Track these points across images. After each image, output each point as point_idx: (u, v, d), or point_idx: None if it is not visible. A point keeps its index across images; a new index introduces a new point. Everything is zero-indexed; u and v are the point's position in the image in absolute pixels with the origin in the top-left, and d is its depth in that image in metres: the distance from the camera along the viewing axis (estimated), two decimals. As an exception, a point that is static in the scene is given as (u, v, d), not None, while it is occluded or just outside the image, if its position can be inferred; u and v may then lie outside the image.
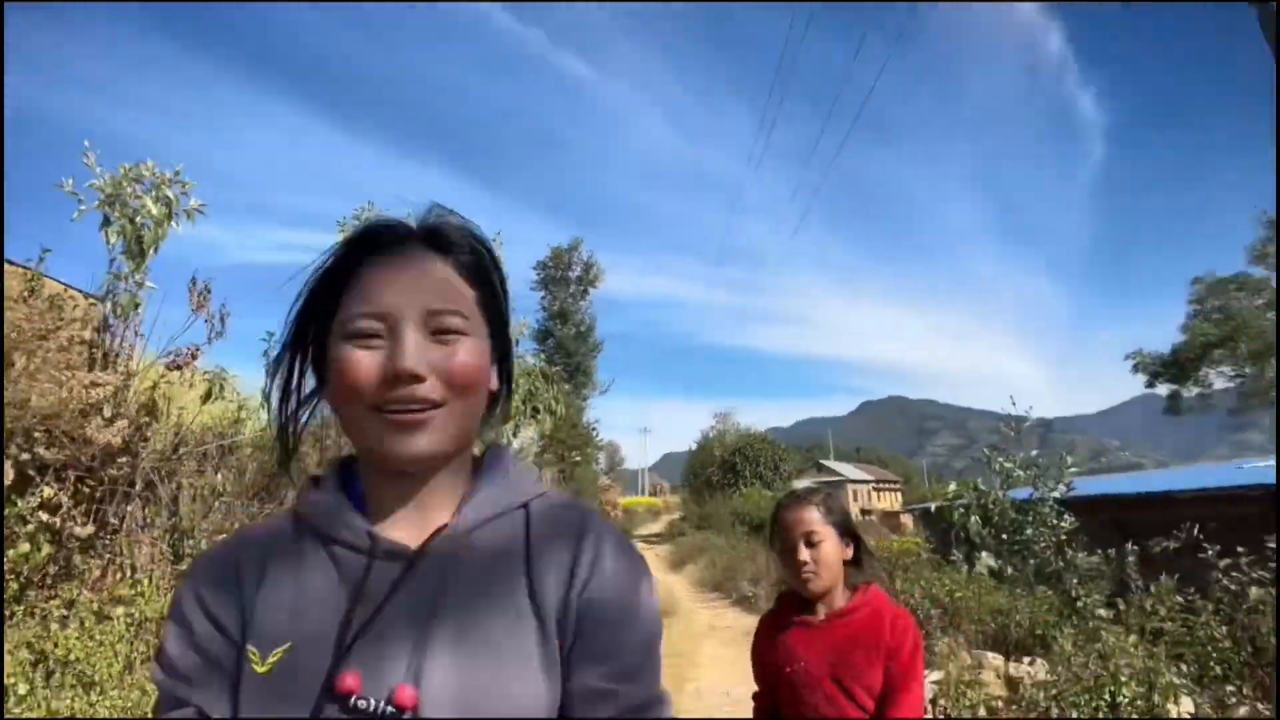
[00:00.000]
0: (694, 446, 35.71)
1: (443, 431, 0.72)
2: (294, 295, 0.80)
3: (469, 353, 0.74)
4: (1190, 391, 21.60)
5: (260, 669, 0.69)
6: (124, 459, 3.79)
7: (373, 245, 0.76)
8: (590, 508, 0.83)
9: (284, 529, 0.79)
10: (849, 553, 1.80)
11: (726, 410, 37.15)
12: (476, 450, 0.84)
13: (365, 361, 0.71)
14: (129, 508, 4.15)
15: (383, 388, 0.71)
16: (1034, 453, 9.04)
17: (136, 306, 4.05)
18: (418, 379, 0.71)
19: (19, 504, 3.48)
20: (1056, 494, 8.15)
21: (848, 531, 1.81)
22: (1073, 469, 9.21)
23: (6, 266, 4.27)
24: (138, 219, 4.17)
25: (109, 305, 4.16)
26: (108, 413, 3.65)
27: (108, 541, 4.09)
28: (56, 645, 3.46)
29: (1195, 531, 5.80)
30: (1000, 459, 8.79)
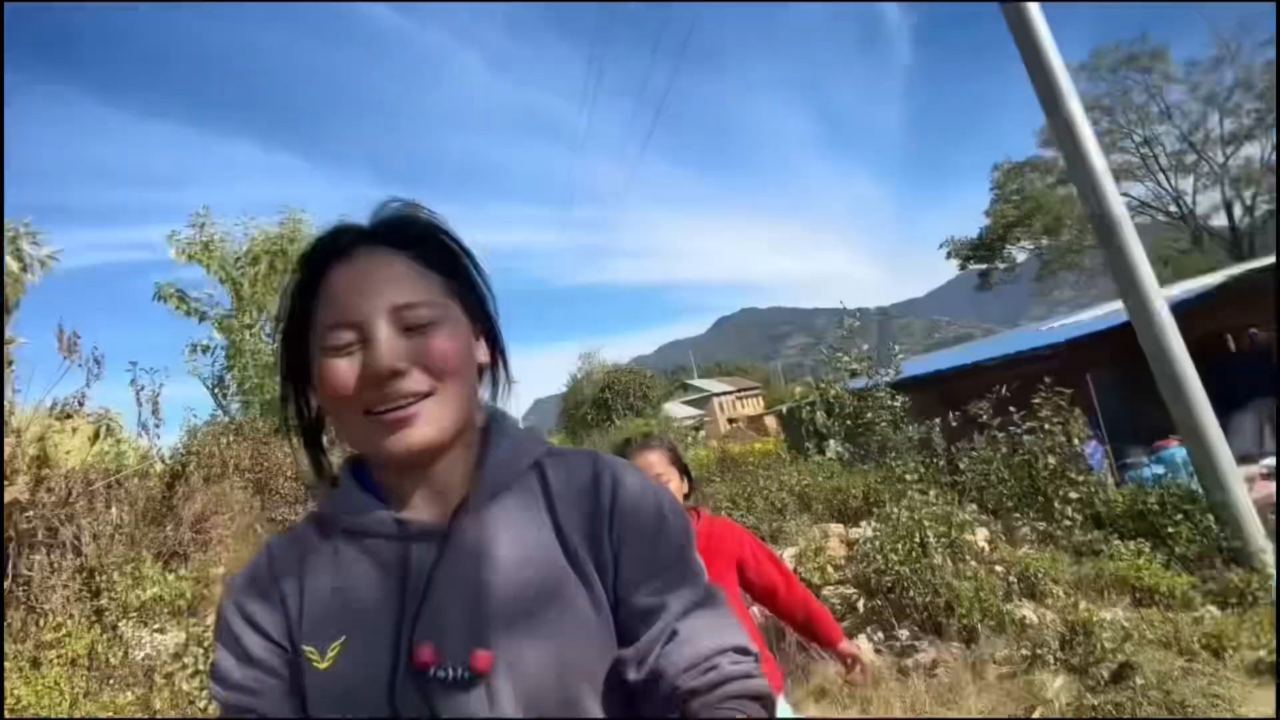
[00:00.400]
0: (564, 389, 36.25)
1: (437, 420, 0.74)
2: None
3: (445, 338, 0.75)
4: (999, 267, 24.25)
5: (321, 665, 0.73)
6: (29, 512, 3.96)
7: (329, 253, 0.77)
8: (596, 451, 0.87)
9: (310, 533, 0.81)
10: (686, 487, 2.15)
11: (590, 350, 37.76)
12: (479, 421, 0.84)
13: (344, 369, 0.73)
14: (36, 557, 4.30)
15: (367, 391, 0.72)
16: (864, 346, 10.20)
17: (10, 364, 4.12)
18: (398, 375, 0.72)
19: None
20: (887, 379, 9.33)
21: (684, 469, 2.16)
22: (899, 354, 10.49)
23: None
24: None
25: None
26: (6, 471, 3.80)
27: (22, 593, 4.25)
28: (7, 696, 3.68)
29: (1003, 391, 6.89)
30: (840, 355, 9.91)
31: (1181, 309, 7.72)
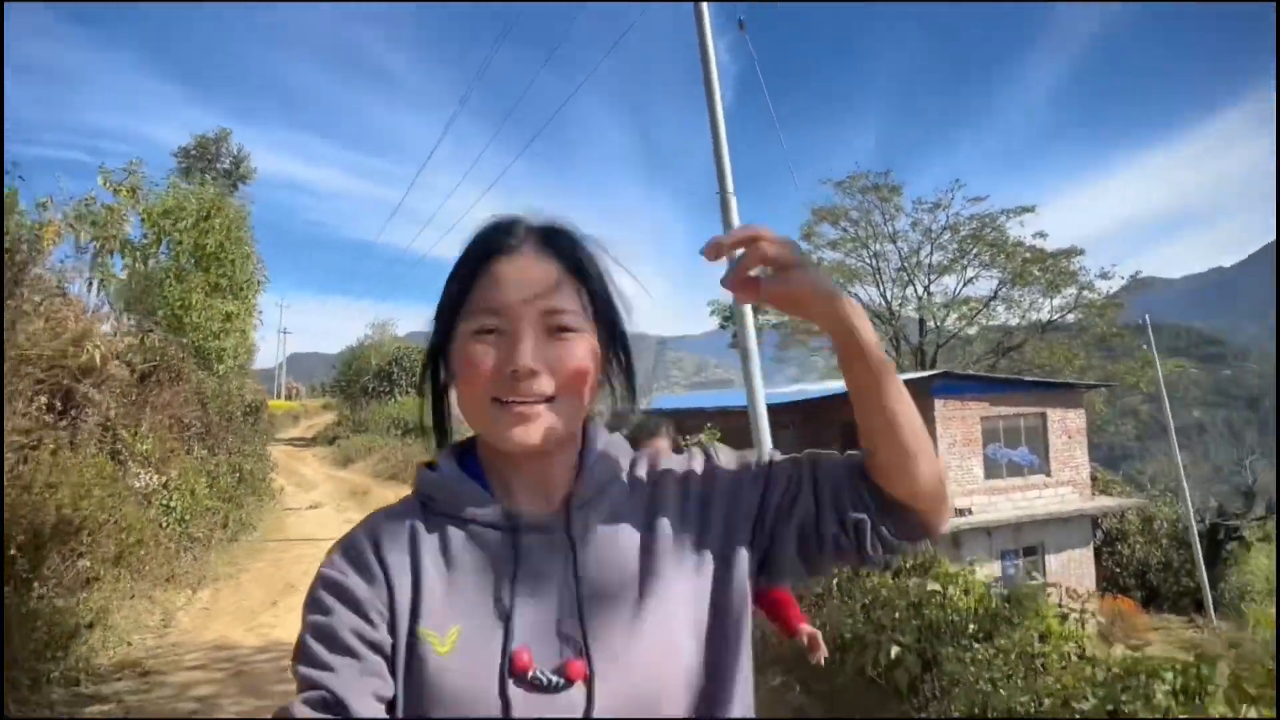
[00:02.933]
0: (343, 350, 35.95)
1: (552, 424, 0.77)
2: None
3: (581, 350, 0.79)
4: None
5: (442, 649, 0.74)
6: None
7: (497, 244, 0.80)
8: (654, 452, 0.93)
9: (413, 513, 0.82)
10: None
11: (383, 320, 38.03)
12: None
13: (486, 354, 0.77)
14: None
15: (501, 380, 0.76)
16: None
17: None
18: (533, 374, 0.76)
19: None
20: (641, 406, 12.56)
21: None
22: (660, 386, 13.77)
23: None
24: None
25: None
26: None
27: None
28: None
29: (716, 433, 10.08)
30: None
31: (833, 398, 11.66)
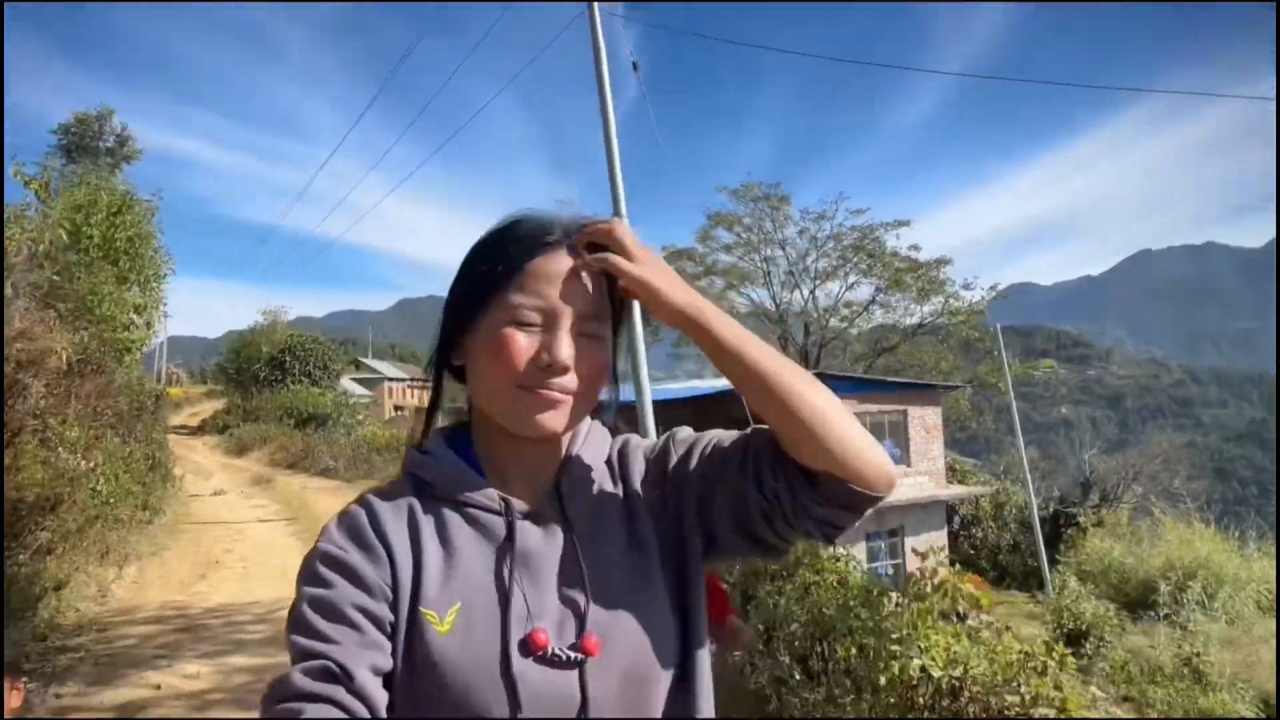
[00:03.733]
0: (225, 334, 34.96)
1: (568, 416, 0.82)
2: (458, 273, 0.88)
3: (602, 357, 0.85)
4: (645, 331, 30.35)
5: (442, 629, 0.76)
6: None
7: (540, 239, 0.83)
8: (633, 437, 0.98)
9: (407, 495, 0.85)
10: None
11: (274, 307, 37.03)
12: None
13: (525, 342, 0.80)
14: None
15: (533, 370, 0.80)
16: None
17: None
18: (566, 370, 0.81)
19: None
20: None
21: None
22: None
23: None
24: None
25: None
26: None
27: None
28: None
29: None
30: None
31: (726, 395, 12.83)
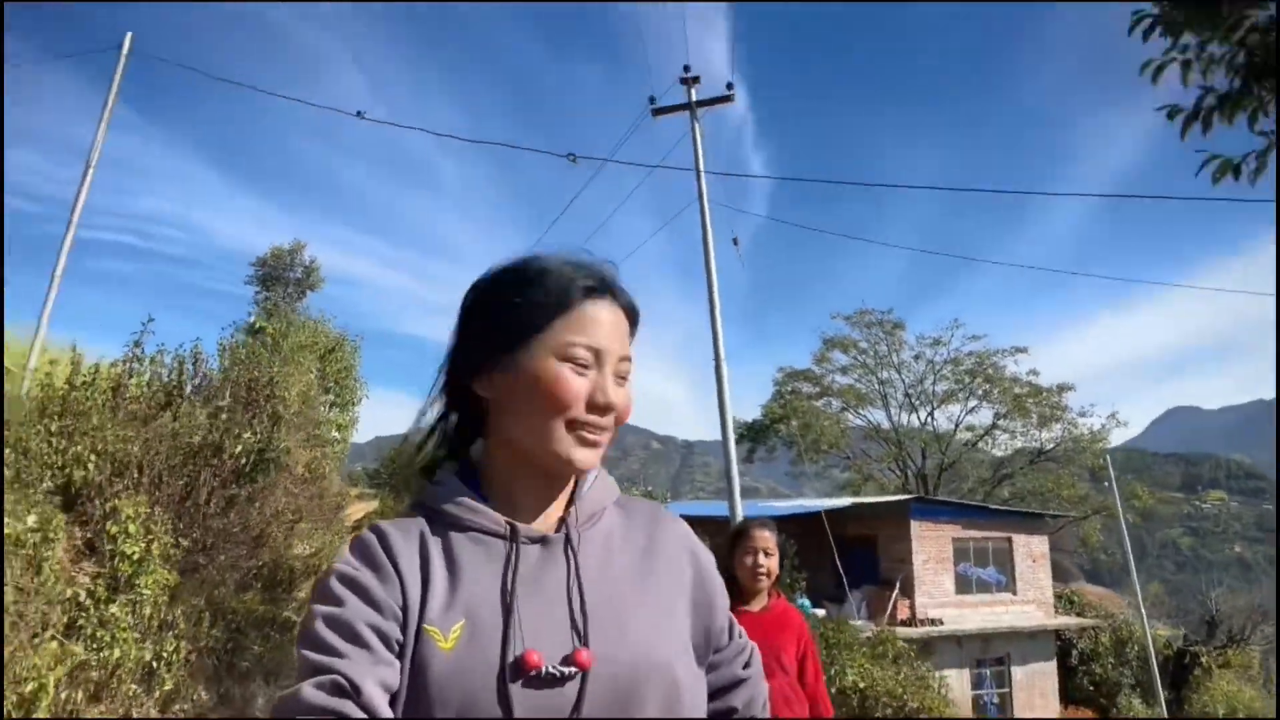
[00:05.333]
0: (372, 438, 38.23)
1: (601, 453, 0.89)
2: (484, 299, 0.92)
3: (629, 398, 0.90)
4: (762, 449, 31.54)
5: (445, 646, 0.79)
6: None
7: (590, 285, 0.89)
8: (655, 502, 1.07)
9: (419, 523, 0.89)
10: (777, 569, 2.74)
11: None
12: None
13: (579, 382, 0.85)
14: None
15: (582, 409, 0.86)
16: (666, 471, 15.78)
17: None
18: (611, 410, 0.87)
19: None
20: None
21: (783, 553, 2.81)
22: (668, 495, 16.15)
23: None
24: None
25: None
26: None
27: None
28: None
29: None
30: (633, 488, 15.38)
31: (831, 513, 14.09)
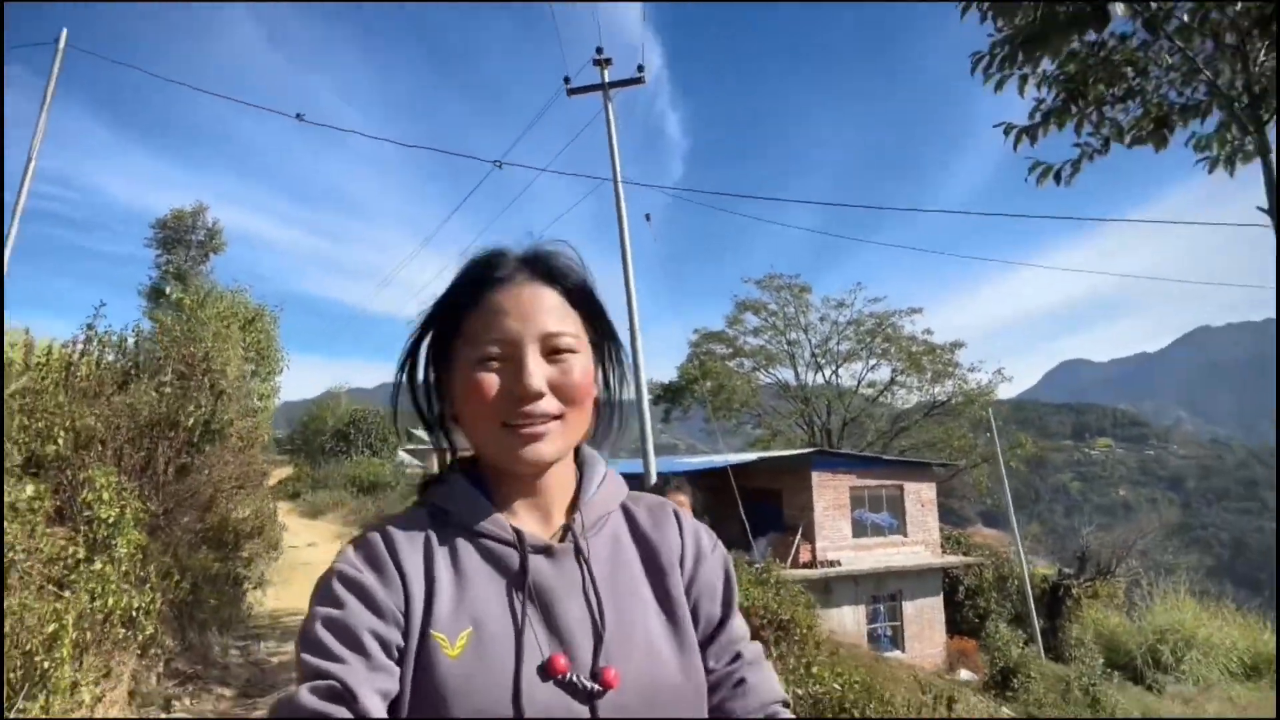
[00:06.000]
0: (282, 404, 37.61)
1: (560, 440, 0.85)
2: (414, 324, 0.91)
3: (579, 370, 0.85)
4: (678, 409, 32.76)
5: (452, 653, 0.77)
6: None
7: (489, 277, 0.86)
8: (666, 499, 1.02)
9: (424, 524, 0.86)
10: None
11: (340, 383, 40.13)
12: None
13: (492, 382, 0.82)
14: None
15: (510, 405, 0.82)
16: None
17: None
18: (539, 396, 0.82)
19: None
20: None
21: (696, 508, 3.19)
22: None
23: None
24: None
25: None
26: None
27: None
28: None
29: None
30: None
31: (740, 467, 15.12)
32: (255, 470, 11.18)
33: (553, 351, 0.85)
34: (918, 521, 19.61)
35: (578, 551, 0.87)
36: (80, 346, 5.85)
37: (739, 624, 0.96)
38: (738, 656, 0.93)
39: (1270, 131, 4.23)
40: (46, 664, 3.49)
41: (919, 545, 19.54)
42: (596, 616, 0.83)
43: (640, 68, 11.51)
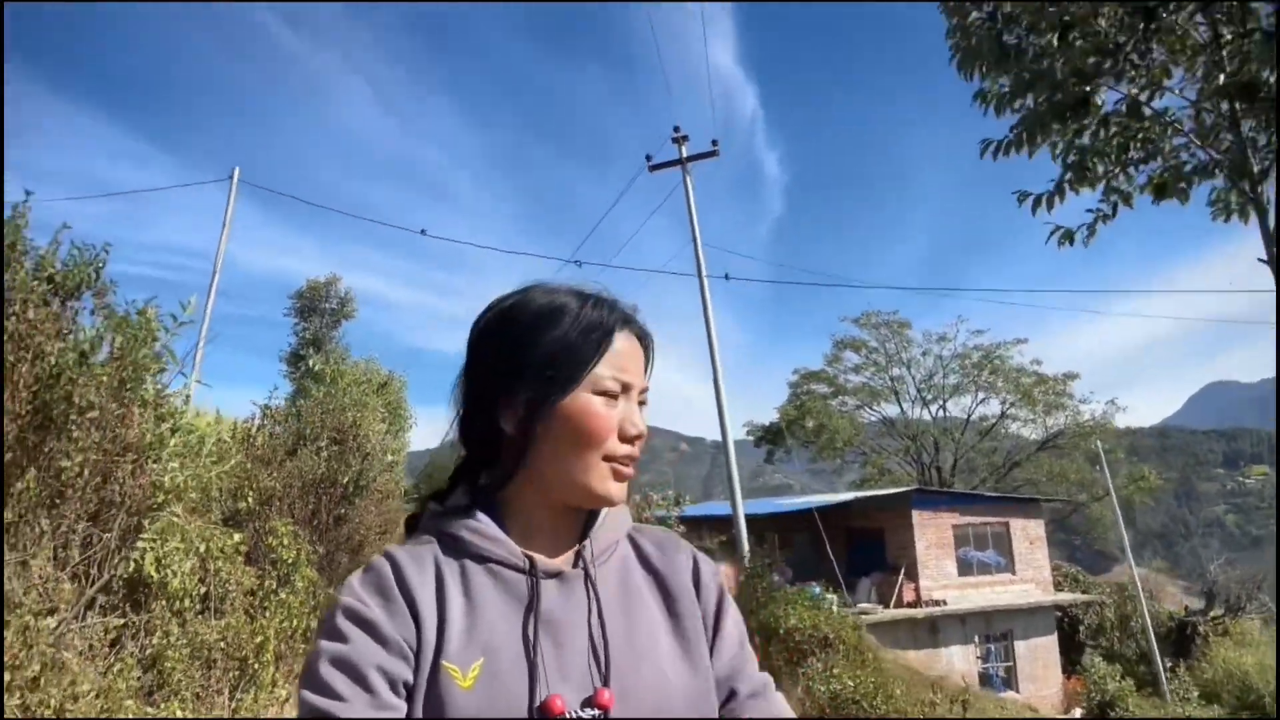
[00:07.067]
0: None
1: (630, 482, 0.90)
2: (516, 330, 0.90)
3: (645, 423, 0.92)
4: (779, 449, 33.11)
5: (465, 684, 0.77)
6: None
7: (617, 320, 0.91)
8: (672, 531, 1.06)
9: (435, 551, 0.87)
10: None
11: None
12: None
13: (611, 415, 0.87)
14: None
15: (616, 441, 0.87)
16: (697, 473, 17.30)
17: None
18: (641, 439, 0.89)
19: None
20: (676, 513, 16.41)
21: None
22: (687, 498, 17.70)
23: None
24: None
25: None
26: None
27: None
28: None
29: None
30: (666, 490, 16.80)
31: (839, 507, 15.66)
32: (392, 518, 12.74)
33: (640, 402, 0.92)
34: (1026, 559, 19.34)
35: (588, 577, 0.88)
36: (258, 422, 7.33)
37: (749, 652, 0.97)
38: (741, 686, 0.93)
39: (1269, 187, 4.82)
40: (256, 667, 4.72)
41: (1028, 583, 19.23)
42: (601, 645, 0.84)
43: (714, 142, 12.62)
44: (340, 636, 0.77)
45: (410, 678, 0.78)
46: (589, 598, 0.87)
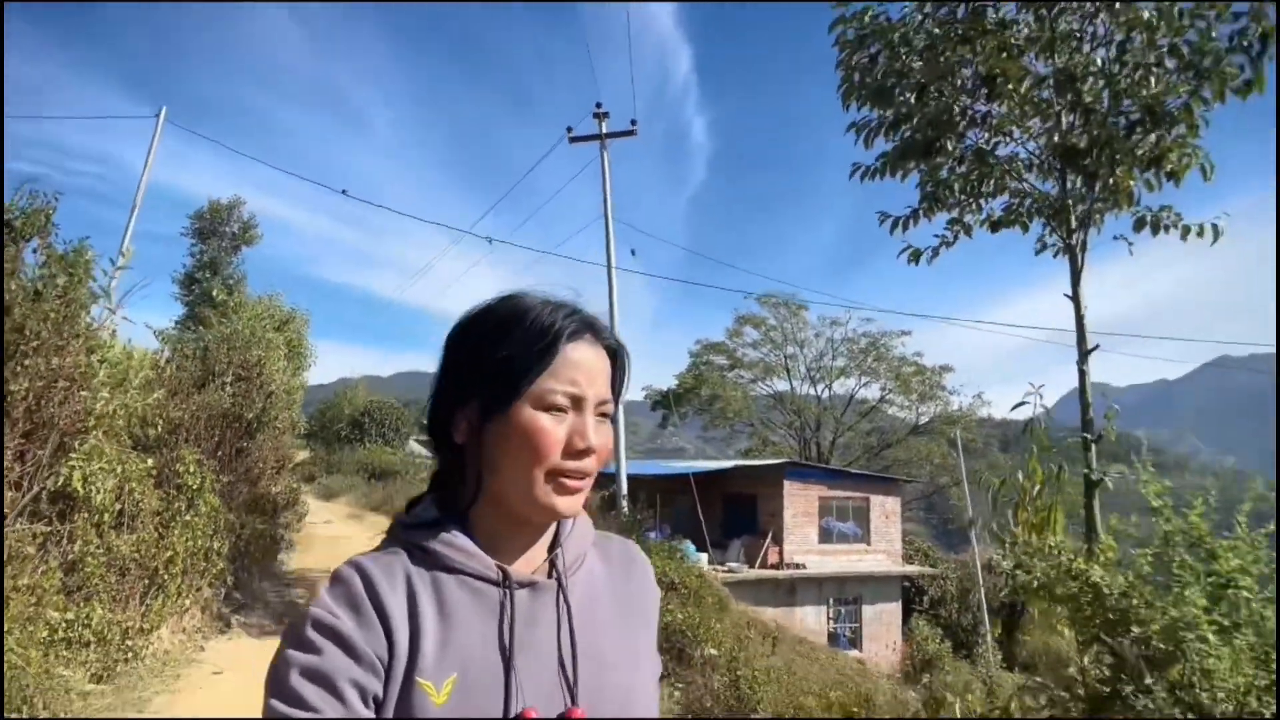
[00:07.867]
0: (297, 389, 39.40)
1: (584, 496, 0.88)
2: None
3: (608, 436, 0.90)
4: (675, 414, 34.49)
5: (439, 700, 0.77)
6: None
7: (569, 328, 0.86)
8: (629, 540, 1.07)
9: (405, 562, 0.85)
10: None
11: (354, 372, 42.02)
12: None
13: (556, 431, 0.83)
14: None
15: (563, 455, 0.84)
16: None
17: None
18: (592, 453, 0.85)
19: None
20: None
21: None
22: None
23: None
24: None
25: None
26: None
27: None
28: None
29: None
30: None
31: (719, 473, 16.79)
32: (287, 454, 13.07)
33: (599, 415, 0.87)
34: (881, 532, 21.15)
35: (560, 587, 0.88)
36: (166, 355, 7.72)
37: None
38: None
39: (1082, 235, 5.92)
40: (165, 577, 5.32)
41: (881, 554, 21.08)
42: (569, 657, 0.85)
43: (633, 121, 13.29)
44: (311, 648, 0.76)
45: (380, 691, 0.77)
46: (559, 607, 0.87)
